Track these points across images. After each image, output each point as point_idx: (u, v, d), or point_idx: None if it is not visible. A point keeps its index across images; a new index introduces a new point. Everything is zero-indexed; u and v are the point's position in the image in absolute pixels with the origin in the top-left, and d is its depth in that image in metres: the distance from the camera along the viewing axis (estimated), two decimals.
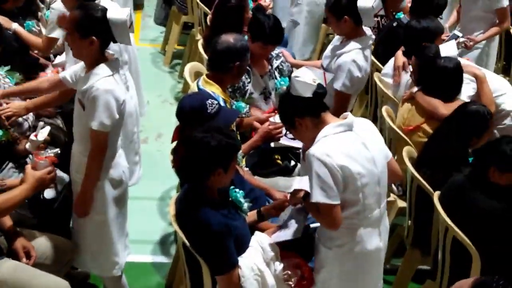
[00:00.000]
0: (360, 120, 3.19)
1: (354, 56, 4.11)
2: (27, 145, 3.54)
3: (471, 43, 5.35)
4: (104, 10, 3.31)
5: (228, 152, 2.97)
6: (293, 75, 3.06)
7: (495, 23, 5.54)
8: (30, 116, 3.97)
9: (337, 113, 4.12)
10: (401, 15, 5.23)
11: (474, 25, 5.55)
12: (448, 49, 4.20)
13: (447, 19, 5.86)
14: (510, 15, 5.59)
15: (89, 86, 3.28)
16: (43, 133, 3.47)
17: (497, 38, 5.71)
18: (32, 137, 3.48)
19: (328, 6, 4.20)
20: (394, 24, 4.99)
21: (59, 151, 3.33)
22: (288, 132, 3.96)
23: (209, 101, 3.41)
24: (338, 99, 4.16)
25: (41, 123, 3.58)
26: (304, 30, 6.55)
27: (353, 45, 4.15)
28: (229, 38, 3.84)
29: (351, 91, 4.21)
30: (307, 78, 2.99)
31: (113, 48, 3.63)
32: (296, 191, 3.21)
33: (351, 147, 3.00)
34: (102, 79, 3.27)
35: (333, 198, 2.96)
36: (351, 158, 2.97)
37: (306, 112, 3.05)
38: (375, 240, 3.15)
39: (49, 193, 3.47)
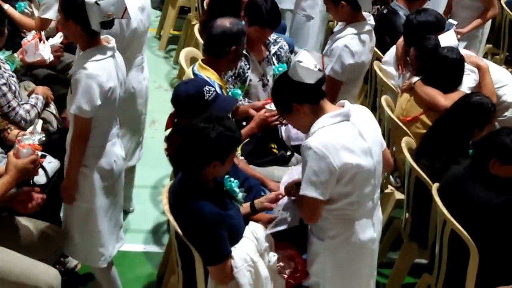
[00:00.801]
0: (357, 107, 3.16)
1: (348, 41, 4.10)
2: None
3: (458, 36, 5.37)
4: None
5: (227, 145, 2.96)
6: (296, 59, 2.99)
7: (482, 12, 5.63)
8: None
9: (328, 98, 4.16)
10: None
11: (464, 13, 5.66)
12: (448, 39, 4.20)
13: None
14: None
15: (75, 70, 3.28)
16: (37, 130, 3.40)
17: (488, 24, 5.74)
18: (27, 134, 3.39)
19: None
20: (385, 11, 4.98)
21: (43, 137, 3.25)
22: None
23: (206, 88, 3.41)
24: (328, 85, 4.11)
25: (39, 121, 3.56)
26: (319, 24, 6.52)
27: (348, 30, 4.14)
28: (225, 22, 3.83)
29: (341, 77, 4.16)
30: (310, 63, 2.95)
31: (114, 31, 3.53)
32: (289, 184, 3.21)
33: (348, 139, 2.96)
34: (88, 63, 3.24)
35: (322, 194, 2.95)
36: (348, 151, 2.94)
37: (305, 99, 3.00)
38: (369, 231, 3.16)
39: (39, 179, 3.45)
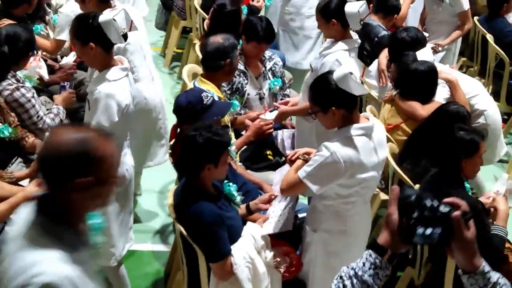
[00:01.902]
0: (377, 122, 3.21)
1: (338, 56, 4.09)
2: None
3: (439, 48, 5.41)
4: (96, 15, 3.28)
5: (216, 148, 2.97)
6: (344, 68, 3.03)
7: (458, 26, 5.63)
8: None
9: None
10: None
11: (441, 28, 5.64)
12: (424, 55, 4.21)
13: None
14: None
15: (93, 89, 3.30)
16: None
17: (460, 38, 5.77)
18: None
19: (318, 9, 4.20)
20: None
21: None
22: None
23: (204, 94, 3.45)
24: None
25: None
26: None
27: (339, 46, 4.13)
28: (217, 39, 3.85)
29: None
30: (357, 75, 2.99)
31: (117, 46, 3.57)
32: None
33: (364, 155, 3.01)
34: (106, 83, 3.27)
35: (316, 189, 3.03)
36: (361, 166, 3.02)
37: (344, 106, 3.05)
38: (360, 225, 3.23)
39: None
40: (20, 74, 4.10)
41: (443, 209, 1.65)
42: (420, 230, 1.64)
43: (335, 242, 3.19)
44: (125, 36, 3.32)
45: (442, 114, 3.84)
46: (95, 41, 3.25)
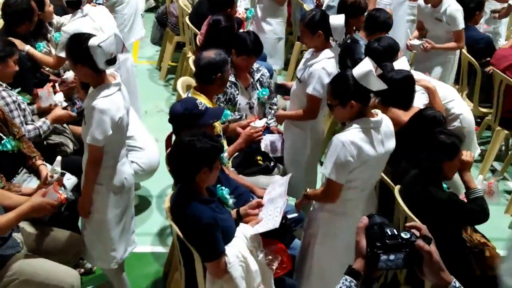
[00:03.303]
0: (385, 118, 3.32)
1: (324, 64, 4.09)
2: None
3: (429, 46, 5.37)
4: (88, 38, 3.22)
5: (212, 152, 2.98)
6: (363, 65, 3.11)
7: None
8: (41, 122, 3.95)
9: (309, 115, 4.18)
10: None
11: (438, 42, 5.55)
12: (400, 64, 4.20)
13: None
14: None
15: (88, 104, 3.28)
16: (56, 170, 3.35)
17: (458, 51, 5.73)
18: (48, 178, 3.35)
19: (304, 21, 4.18)
20: (348, 41, 5.00)
21: (72, 197, 3.26)
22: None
23: (198, 101, 3.47)
24: (310, 102, 4.15)
25: (59, 158, 3.46)
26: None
27: (322, 55, 4.14)
28: (209, 54, 3.83)
29: (322, 95, 4.13)
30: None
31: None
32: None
33: (367, 144, 3.16)
34: (99, 99, 3.24)
35: (341, 179, 3.17)
36: (368, 155, 3.15)
37: (362, 100, 3.18)
38: (359, 209, 3.31)
39: (69, 182, 3.41)
40: (14, 92, 4.03)
41: (404, 235, 1.71)
42: (384, 257, 1.70)
43: (335, 222, 3.34)
44: (113, 60, 3.25)
45: (420, 118, 3.84)
46: (83, 63, 3.23)
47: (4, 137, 3.31)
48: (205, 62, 3.80)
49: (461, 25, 5.44)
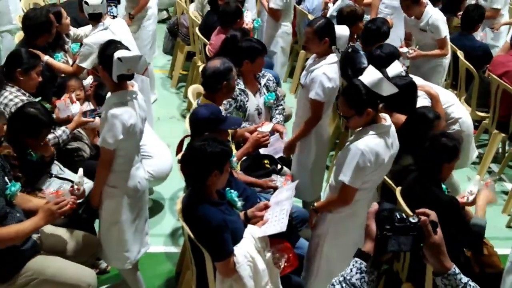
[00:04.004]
0: (391, 123, 3.32)
1: (325, 69, 4.08)
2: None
3: (415, 53, 5.37)
4: (117, 47, 3.26)
5: (222, 156, 2.98)
6: (372, 73, 3.12)
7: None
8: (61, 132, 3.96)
9: (313, 119, 4.16)
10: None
11: (425, 49, 5.59)
12: (394, 68, 4.16)
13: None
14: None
15: (104, 109, 3.32)
16: (80, 182, 3.32)
17: (449, 56, 5.72)
18: (75, 190, 3.30)
19: (313, 28, 4.14)
20: (349, 50, 4.99)
21: (65, 186, 3.22)
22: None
23: (221, 108, 3.55)
24: (313, 107, 4.14)
25: (81, 170, 3.42)
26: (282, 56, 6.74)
27: (324, 61, 4.14)
28: (215, 63, 3.85)
29: (324, 99, 4.12)
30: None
31: None
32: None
33: (384, 149, 3.17)
34: (113, 104, 3.27)
35: (358, 184, 3.18)
36: (382, 159, 3.17)
37: (376, 106, 3.18)
38: (366, 210, 3.19)
39: (86, 186, 3.41)
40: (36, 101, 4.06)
41: (413, 219, 1.73)
42: (393, 239, 1.72)
43: (343, 222, 3.33)
44: (130, 77, 3.27)
45: (413, 116, 3.86)
46: (104, 67, 3.27)
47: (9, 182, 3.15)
48: (210, 72, 3.81)
49: (444, 33, 5.45)
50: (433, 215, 1.76)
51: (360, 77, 3.15)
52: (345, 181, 3.17)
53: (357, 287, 1.72)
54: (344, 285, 1.72)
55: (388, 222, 1.73)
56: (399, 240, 1.71)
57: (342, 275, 1.75)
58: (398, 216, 1.73)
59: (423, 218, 1.72)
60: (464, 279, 1.75)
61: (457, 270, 1.75)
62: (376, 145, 3.14)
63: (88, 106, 4.30)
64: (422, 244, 1.73)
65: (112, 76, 3.22)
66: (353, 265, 1.75)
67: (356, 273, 1.73)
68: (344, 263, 1.85)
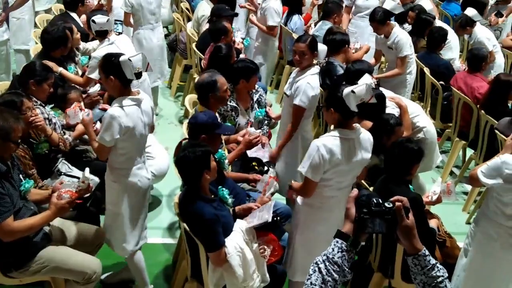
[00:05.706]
0: (365, 132, 3.27)
1: (309, 79, 4.09)
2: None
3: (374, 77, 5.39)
4: (119, 55, 3.27)
5: (205, 156, 2.98)
6: (351, 87, 3.07)
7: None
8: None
9: (292, 125, 4.17)
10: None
11: (392, 66, 5.68)
12: (364, 81, 4.15)
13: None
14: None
15: (106, 111, 3.31)
16: (88, 178, 3.16)
17: (414, 72, 5.75)
18: (81, 184, 3.12)
19: (306, 43, 4.14)
20: (324, 64, 5.01)
21: (80, 186, 3.10)
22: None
23: (216, 114, 3.59)
24: (295, 113, 4.15)
25: (87, 169, 3.30)
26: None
27: (308, 72, 4.14)
28: (203, 77, 3.90)
29: (306, 106, 4.13)
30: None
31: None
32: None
33: (340, 150, 3.10)
34: (115, 106, 3.27)
35: (316, 177, 3.11)
36: (339, 159, 3.10)
37: (340, 112, 3.11)
38: (334, 204, 3.25)
39: (92, 182, 3.30)
40: (48, 107, 4.02)
41: (388, 205, 1.74)
42: (369, 222, 1.73)
43: (313, 215, 3.28)
44: (139, 75, 3.29)
45: (378, 122, 3.88)
46: (114, 75, 3.26)
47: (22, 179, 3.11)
48: (199, 84, 3.88)
49: (405, 52, 5.49)
50: (405, 201, 1.77)
51: (350, 87, 3.10)
52: (302, 172, 3.14)
53: (339, 264, 1.71)
54: (327, 263, 1.71)
55: (366, 206, 1.73)
56: (375, 222, 1.72)
57: (325, 254, 1.74)
58: (375, 201, 1.74)
59: (397, 203, 1.73)
60: (433, 260, 1.75)
61: (427, 252, 1.75)
62: (332, 144, 3.09)
63: (89, 113, 4.26)
64: (395, 229, 1.74)
65: (123, 81, 3.25)
66: (335, 244, 1.74)
67: (338, 252, 1.72)
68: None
